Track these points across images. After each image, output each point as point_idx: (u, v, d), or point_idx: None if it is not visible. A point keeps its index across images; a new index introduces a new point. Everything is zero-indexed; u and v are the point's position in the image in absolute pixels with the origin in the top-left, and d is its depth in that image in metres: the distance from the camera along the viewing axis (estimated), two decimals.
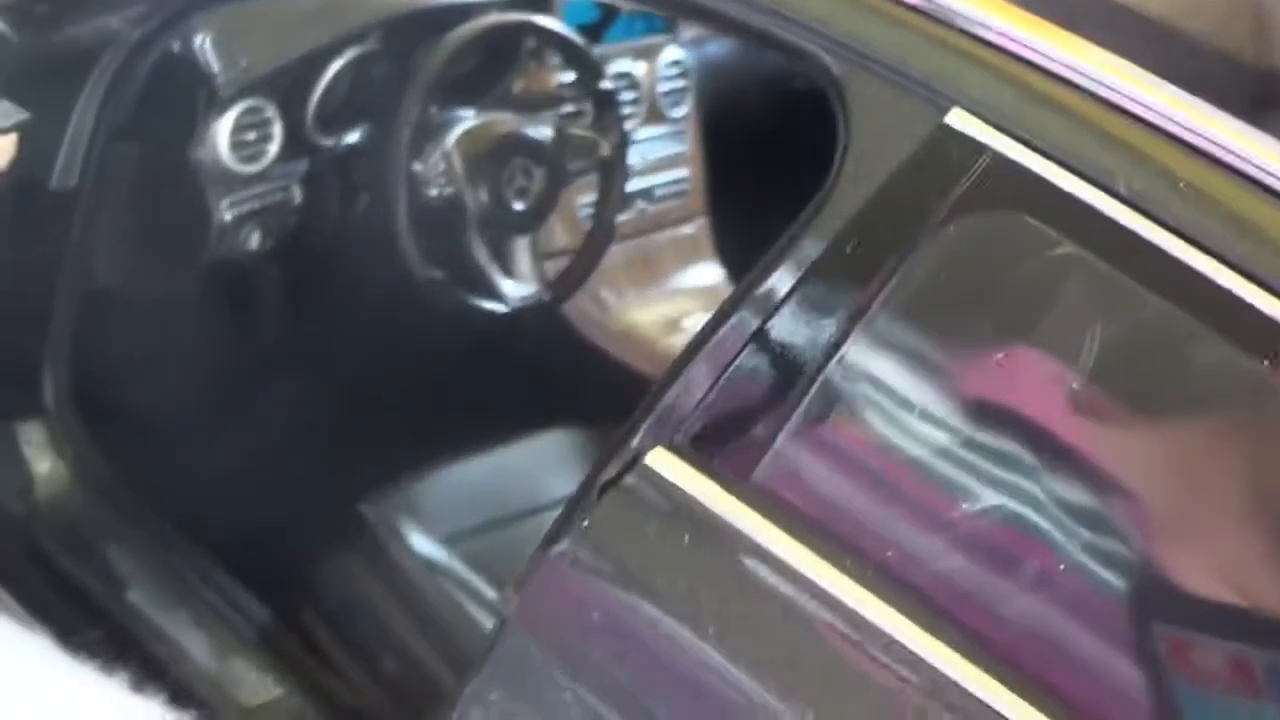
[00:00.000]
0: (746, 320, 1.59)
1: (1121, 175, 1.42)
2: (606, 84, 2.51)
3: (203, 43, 2.27)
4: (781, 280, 1.59)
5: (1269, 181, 1.39)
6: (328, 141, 2.41)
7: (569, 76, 2.56)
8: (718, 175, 2.88)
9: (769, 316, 1.56)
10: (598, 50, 2.66)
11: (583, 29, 2.63)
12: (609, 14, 2.72)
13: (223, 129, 2.30)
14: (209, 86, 2.28)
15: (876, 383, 1.55)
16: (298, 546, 2.33)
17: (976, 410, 1.53)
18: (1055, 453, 1.45)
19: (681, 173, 2.87)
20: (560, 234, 2.67)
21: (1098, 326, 1.44)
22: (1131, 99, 1.46)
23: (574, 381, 2.63)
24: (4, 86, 2.12)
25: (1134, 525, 1.42)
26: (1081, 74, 1.48)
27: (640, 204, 2.77)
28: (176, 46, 2.27)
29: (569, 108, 2.57)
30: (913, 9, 1.56)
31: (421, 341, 2.47)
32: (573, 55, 2.51)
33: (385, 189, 2.31)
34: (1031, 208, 1.47)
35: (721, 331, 1.62)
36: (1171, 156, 1.43)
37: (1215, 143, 1.42)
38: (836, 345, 1.51)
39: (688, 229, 2.87)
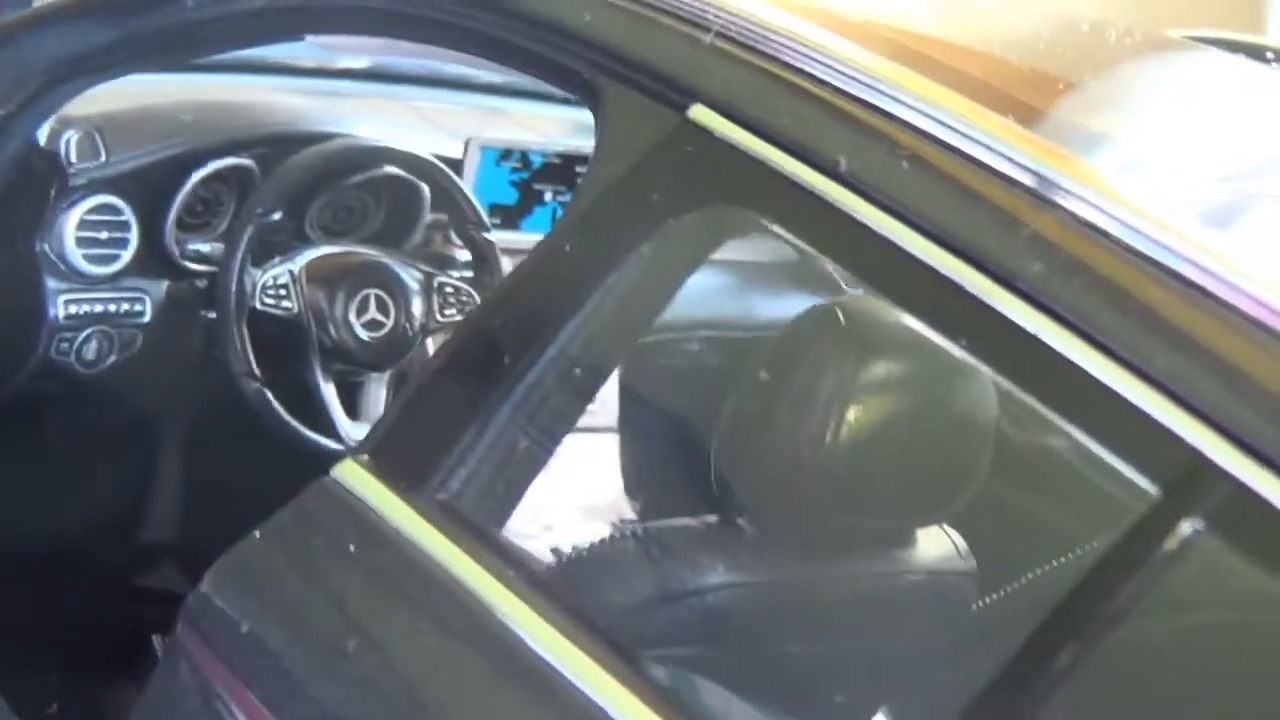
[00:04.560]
0: (462, 336, 1.66)
1: (843, 155, 1.41)
2: (489, 238, 2.50)
3: (67, 133, 2.30)
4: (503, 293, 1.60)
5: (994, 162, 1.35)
6: (189, 257, 2.41)
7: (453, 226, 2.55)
8: None
9: (475, 331, 1.62)
10: (513, 238, 2.64)
11: (496, 209, 2.65)
12: (528, 199, 2.71)
13: (71, 221, 2.32)
14: (64, 176, 2.29)
15: (569, 394, 1.54)
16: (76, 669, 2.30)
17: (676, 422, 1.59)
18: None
19: None
20: None
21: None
22: (866, 84, 1.44)
23: None
24: None
25: None
26: (822, 64, 1.48)
27: None
28: (42, 136, 2.30)
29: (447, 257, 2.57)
30: (659, 9, 1.57)
31: (251, 470, 2.39)
32: (450, 200, 2.50)
33: (221, 299, 2.30)
34: (755, 199, 1.48)
35: (444, 349, 1.69)
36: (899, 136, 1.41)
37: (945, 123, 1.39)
38: (533, 356, 1.50)
39: None
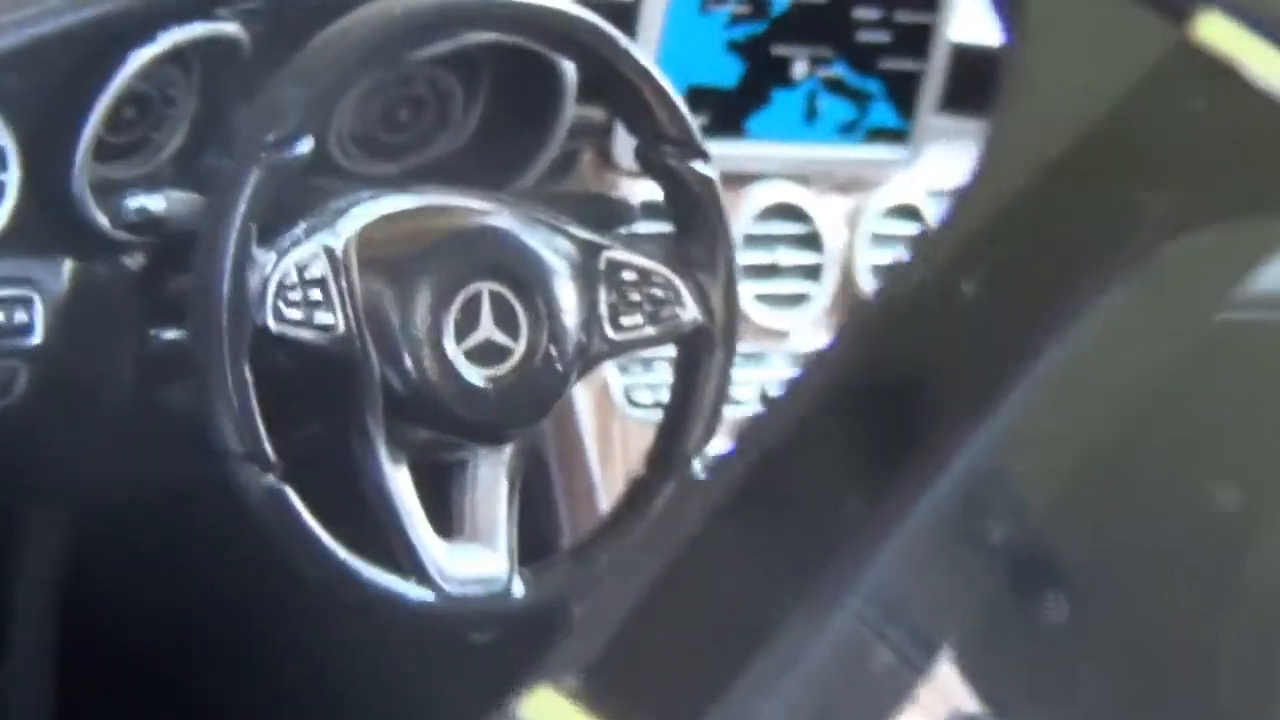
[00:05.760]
0: (749, 456, 1.60)
1: None
2: (705, 169, 2.32)
3: None
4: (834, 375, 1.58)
5: None
6: (120, 219, 2.31)
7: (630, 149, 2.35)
8: None
9: (776, 444, 1.56)
10: (733, 151, 2.58)
11: (700, 96, 2.54)
12: (760, 77, 2.62)
13: None
14: None
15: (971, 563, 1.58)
16: None
17: None
18: None
19: None
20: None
21: None
22: None
23: None
24: None
25: None
26: None
27: None
28: None
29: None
30: None
31: (244, 639, 2.52)
32: (620, 89, 2.31)
33: (200, 308, 2.17)
34: None
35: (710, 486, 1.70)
36: None
37: None
38: (901, 500, 1.50)
39: None
